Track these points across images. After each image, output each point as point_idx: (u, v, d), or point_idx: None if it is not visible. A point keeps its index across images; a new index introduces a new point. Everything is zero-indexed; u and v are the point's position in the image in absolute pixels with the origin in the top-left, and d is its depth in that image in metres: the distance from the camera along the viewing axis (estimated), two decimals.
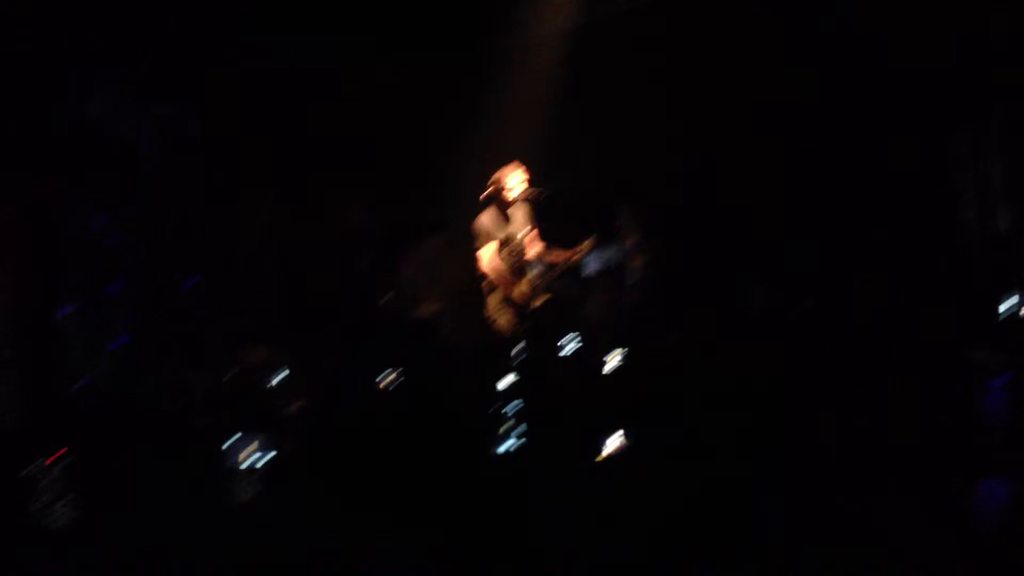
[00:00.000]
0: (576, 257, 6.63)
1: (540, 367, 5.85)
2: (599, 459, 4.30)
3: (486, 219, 6.45)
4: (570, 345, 5.84)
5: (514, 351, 5.98)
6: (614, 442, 4.39)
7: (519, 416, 5.17)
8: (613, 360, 5.69)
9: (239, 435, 3.73)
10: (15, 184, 5.26)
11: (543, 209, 6.55)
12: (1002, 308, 3.85)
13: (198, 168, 6.16)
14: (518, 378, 5.14)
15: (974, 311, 4.23)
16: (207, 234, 6.15)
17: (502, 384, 5.47)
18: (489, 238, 6.44)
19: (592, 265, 6.85)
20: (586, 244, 6.59)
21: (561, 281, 6.73)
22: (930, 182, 6.70)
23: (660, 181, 7.18)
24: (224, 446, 3.76)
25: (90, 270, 5.39)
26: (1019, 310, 3.82)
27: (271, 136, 6.94)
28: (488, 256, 6.45)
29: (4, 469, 3.69)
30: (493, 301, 6.48)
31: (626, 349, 5.96)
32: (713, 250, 7.01)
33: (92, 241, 5.37)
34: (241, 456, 3.66)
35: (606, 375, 5.93)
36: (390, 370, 5.16)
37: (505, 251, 6.47)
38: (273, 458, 3.81)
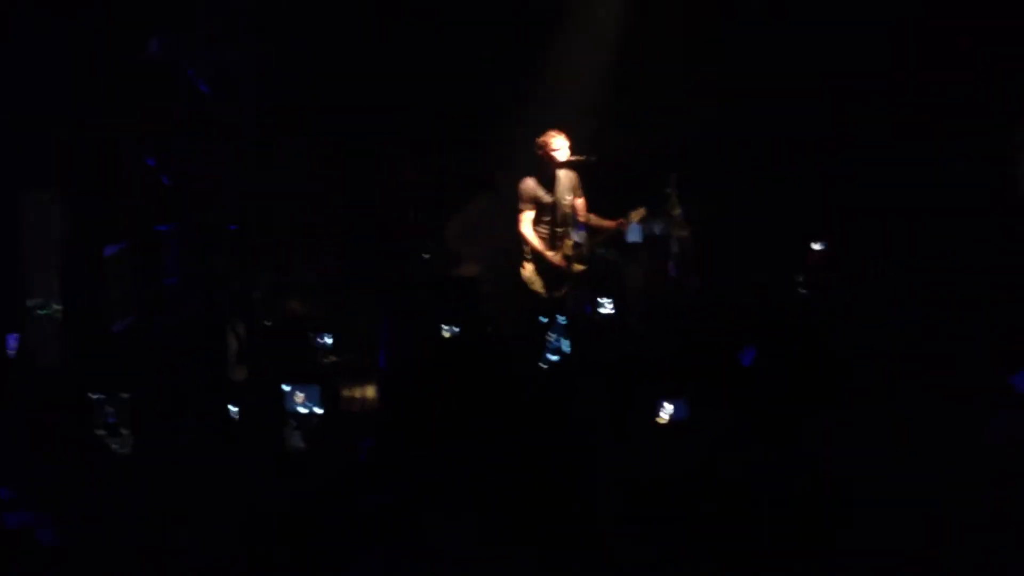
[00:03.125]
0: (621, 226, 6.59)
1: (581, 331, 5.84)
2: (658, 423, 4.27)
3: (531, 182, 6.42)
4: (607, 312, 5.81)
5: (551, 316, 5.96)
6: (671, 408, 4.35)
7: (558, 378, 5.16)
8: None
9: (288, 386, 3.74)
10: (73, 119, 5.28)
11: (589, 175, 6.50)
12: None
13: (253, 111, 6.16)
14: (560, 339, 5.14)
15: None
16: (260, 179, 6.16)
17: (540, 347, 5.46)
18: (533, 201, 6.41)
19: (635, 234, 6.81)
20: (634, 214, 6.54)
21: (603, 249, 6.70)
22: (984, 175, 6.61)
23: (708, 151, 7.11)
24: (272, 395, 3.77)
25: (143, 207, 5.42)
26: None
27: (325, 84, 6.93)
28: (531, 219, 6.43)
29: (56, 401, 3.73)
30: (532, 265, 6.46)
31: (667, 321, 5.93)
32: (759, 223, 6.95)
33: (147, 178, 5.39)
34: (291, 404, 3.67)
35: (646, 345, 5.90)
36: (431, 326, 5.17)
37: (548, 215, 6.44)
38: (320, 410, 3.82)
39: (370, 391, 5.55)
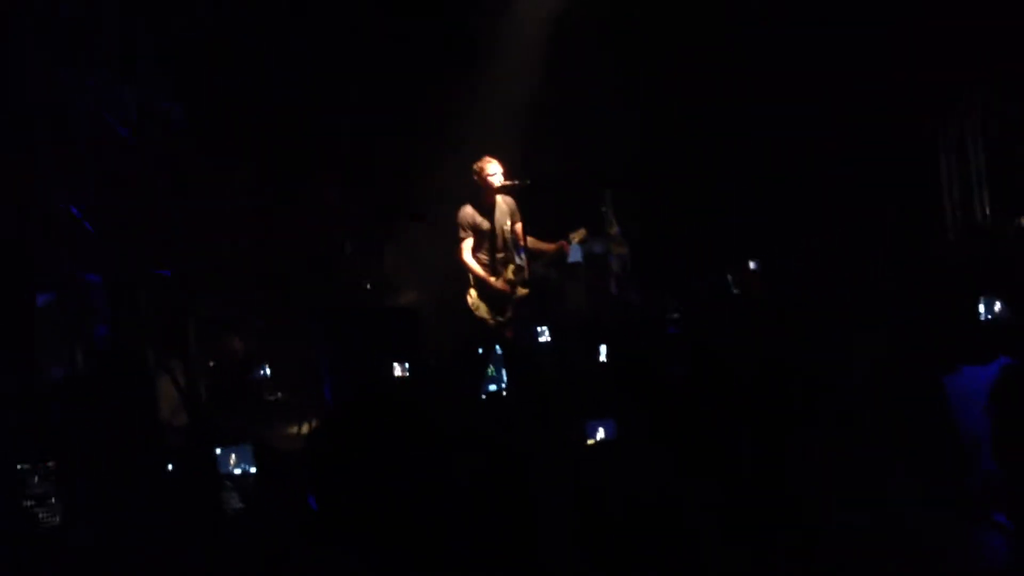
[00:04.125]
0: (562, 248, 6.62)
1: (522, 357, 5.84)
2: (589, 444, 4.30)
3: (469, 209, 6.42)
4: (551, 335, 5.82)
5: (495, 340, 5.96)
6: (601, 429, 4.38)
7: (503, 404, 5.16)
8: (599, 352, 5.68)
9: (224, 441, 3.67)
10: None
11: (526, 198, 6.53)
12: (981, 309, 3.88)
13: (178, 151, 6.08)
14: (500, 368, 5.13)
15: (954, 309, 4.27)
16: (188, 221, 6.08)
17: (485, 373, 5.46)
18: (472, 228, 6.42)
19: (576, 255, 6.84)
20: (574, 235, 6.57)
21: (544, 272, 6.72)
22: (914, 171, 6.75)
23: (643, 169, 7.18)
24: (211, 451, 3.70)
25: (69, 257, 5.32)
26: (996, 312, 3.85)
27: (252, 120, 6.87)
28: (471, 247, 6.43)
29: None
30: (476, 291, 6.46)
31: (609, 340, 5.96)
32: (695, 236, 7.03)
33: (71, 227, 5.29)
34: (230, 461, 3.61)
35: (590, 364, 5.93)
36: (373, 359, 5.14)
37: (488, 242, 6.45)
38: (261, 459, 3.76)
39: (316, 425, 5.49)
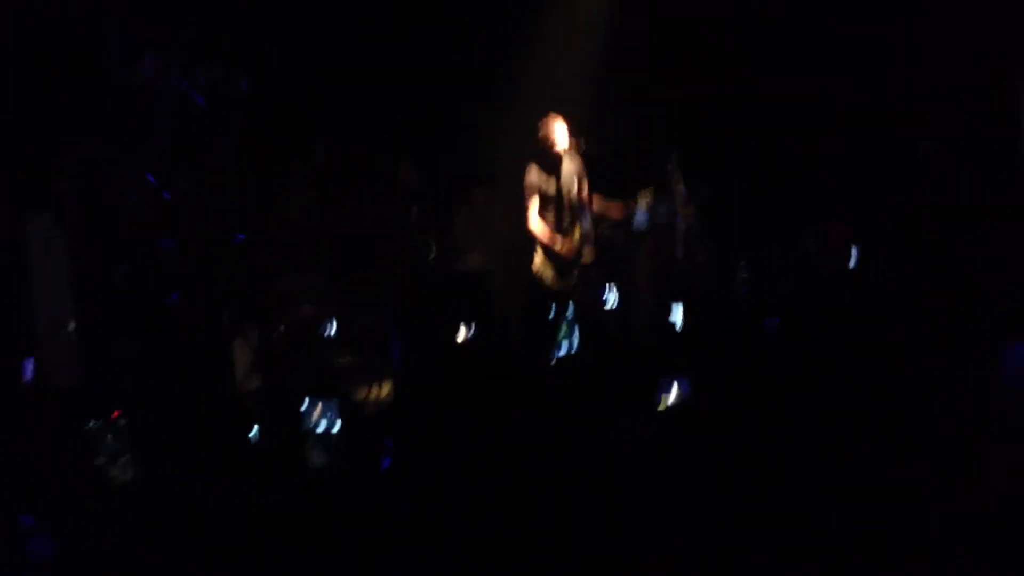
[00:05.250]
0: (628, 209, 6.55)
1: (590, 320, 5.82)
2: (660, 408, 4.28)
3: (533, 173, 6.37)
4: (619, 298, 5.78)
5: (563, 305, 5.94)
6: (673, 392, 4.34)
7: (572, 367, 5.15)
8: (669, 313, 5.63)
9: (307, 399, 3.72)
10: (69, 145, 5.30)
11: (591, 161, 6.46)
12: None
13: (248, 125, 6.16)
14: (573, 330, 5.12)
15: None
16: (258, 190, 6.17)
17: (556, 335, 5.45)
18: (537, 192, 6.37)
19: (641, 218, 6.76)
20: (642, 196, 6.49)
21: (611, 234, 6.65)
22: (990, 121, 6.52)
23: (708, 132, 7.06)
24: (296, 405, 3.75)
25: (144, 227, 5.43)
26: None
27: (318, 88, 6.92)
28: (536, 210, 6.39)
29: (63, 425, 3.73)
30: (542, 256, 6.43)
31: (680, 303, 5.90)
32: (762, 201, 6.90)
33: (146, 198, 5.40)
34: (310, 419, 3.66)
35: (660, 325, 5.88)
36: (443, 323, 5.17)
37: (553, 205, 6.40)
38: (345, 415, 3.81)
39: (386, 391, 5.55)
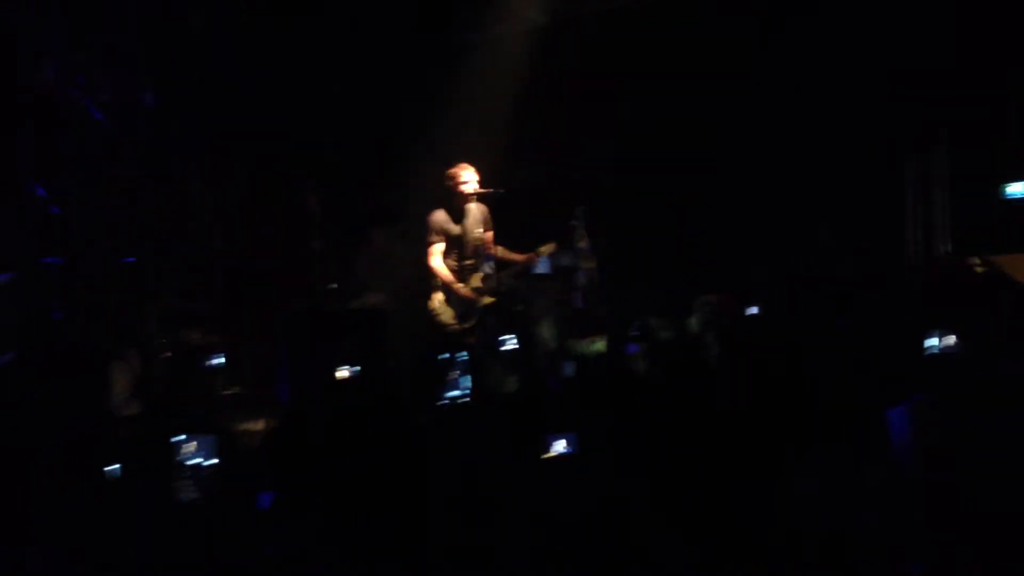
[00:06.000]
0: (530, 259, 6.62)
1: (483, 366, 5.82)
2: (545, 457, 4.29)
3: (440, 214, 6.41)
4: (513, 344, 5.81)
5: (459, 347, 5.94)
6: (561, 443, 4.37)
7: (464, 411, 5.14)
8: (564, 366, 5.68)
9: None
10: None
11: (498, 208, 6.53)
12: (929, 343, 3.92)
13: (150, 140, 6.04)
14: (465, 374, 5.10)
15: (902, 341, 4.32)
16: (154, 209, 6.03)
17: (445, 379, 5.43)
18: (442, 233, 6.40)
19: (544, 267, 6.84)
20: (543, 248, 6.58)
21: (512, 282, 6.71)
22: (879, 205, 6.84)
23: (615, 185, 7.21)
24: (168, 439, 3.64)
25: (32, 238, 5.25)
26: (945, 344, 3.89)
27: (228, 112, 6.84)
28: (440, 252, 6.41)
29: None
30: (440, 297, 6.44)
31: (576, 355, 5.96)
32: (665, 255, 7.07)
33: (36, 209, 5.23)
34: (188, 451, 3.55)
35: (552, 377, 5.92)
36: (332, 359, 5.10)
37: (457, 248, 6.44)
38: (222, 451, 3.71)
39: (269, 425, 5.44)
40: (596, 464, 4.40)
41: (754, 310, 5.77)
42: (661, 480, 4.06)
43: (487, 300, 6.49)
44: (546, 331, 6.77)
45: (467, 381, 5.10)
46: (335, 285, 6.62)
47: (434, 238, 6.39)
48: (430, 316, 6.38)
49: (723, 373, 5.18)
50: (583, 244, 6.69)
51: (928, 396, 3.89)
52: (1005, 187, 6.41)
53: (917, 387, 4.01)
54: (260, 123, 6.97)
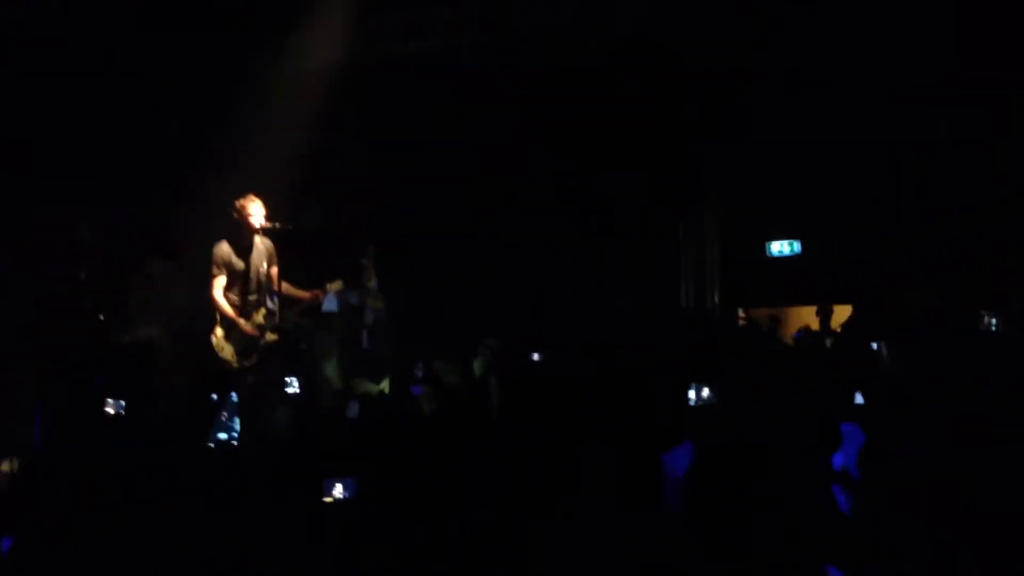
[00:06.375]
0: (316, 297, 6.49)
1: (259, 406, 5.64)
2: (325, 501, 4.22)
3: (225, 247, 6.19)
4: (295, 385, 5.67)
5: (235, 385, 5.74)
6: (339, 487, 4.31)
7: (231, 454, 4.95)
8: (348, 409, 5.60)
9: None
10: None
11: (285, 244, 6.38)
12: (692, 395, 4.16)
13: None
14: (234, 416, 4.93)
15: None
16: None
17: (216, 419, 5.23)
18: (226, 267, 6.18)
19: (331, 304, 6.72)
20: (330, 286, 6.47)
21: (296, 319, 6.56)
22: (654, 259, 7.20)
23: (405, 225, 7.24)
24: None
25: None
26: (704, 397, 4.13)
27: None
28: (222, 285, 6.18)
29: None
30: (221, 331, 6.20)
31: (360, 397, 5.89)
32: (452, 297, 7.13)
33: None
34: None
35: (333, 419, 5.83)
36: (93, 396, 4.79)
37: (239, 282, 6.23)
38: None
39: (12, 466, 5.03)
40: (376, 507, 4.35)
41: (535, 356, 5.90)
42: (442, 521, 4.07)
43: (270, 337, 6.30)
44: (330, 370, 6.65)
45: (236, 424, 4.92)
46: (102, 317, 6.24)
47: (217, 271, 6.15)
48: (209, 352, 6.12)
49: (502, 416, 5.26)
50: (371, 283, 6.64)
51: (692, 443, 4.11)
52: (770, 245, 6.91)
53: (684, 435, 4.23)
54: (27, 150, 6.52)
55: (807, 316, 6.81)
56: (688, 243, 7.27)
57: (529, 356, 5.95)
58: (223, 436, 4.70)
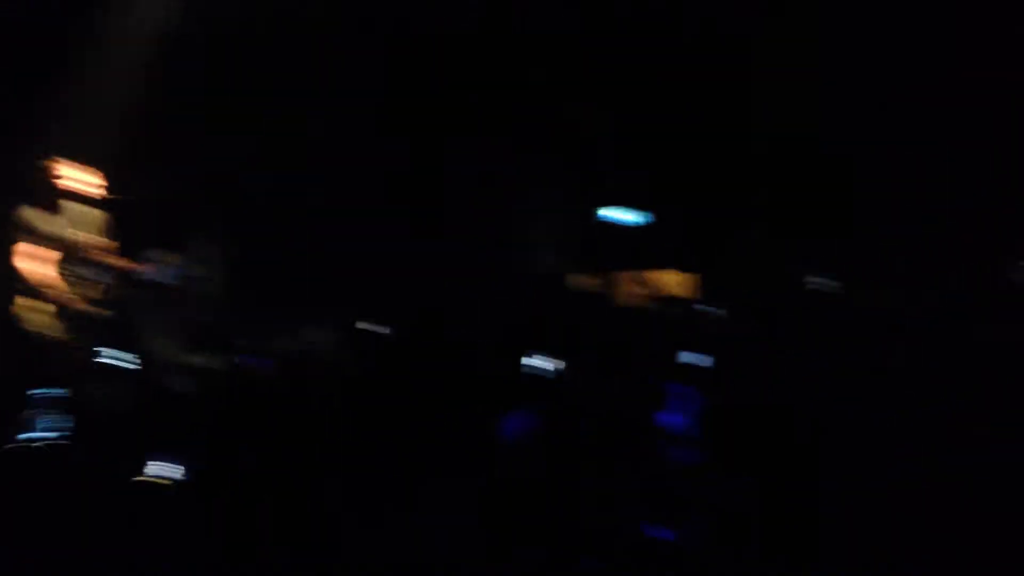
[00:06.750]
0: (143, 267, 6.17)
1: (80, 380, 5.35)
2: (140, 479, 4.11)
3: (36, 214, 5.80)
4: (118, 359, 5.40)
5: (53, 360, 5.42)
6: (157, 465, 4.20)
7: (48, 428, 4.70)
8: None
9: None
10: None
11: (110, 211, 6.04)
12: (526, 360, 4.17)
13: None
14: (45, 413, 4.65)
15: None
16: None
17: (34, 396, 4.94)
18: (37, 235, 5.80)
19: (161, 275, 6.40)
20: (163, 256, 6.18)
21: (119, 291, 6.22)
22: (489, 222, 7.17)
23: (243, 194, 7.00)
24: None
25: None
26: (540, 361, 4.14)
27: None
28: (33, 254, 5.80)
29: None
30: (32, 304, 5.82)
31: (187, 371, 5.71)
32: (290, 268, 6.96)
33: None
34: None
35: (161, 394, 5.63)
36: None
37: (55, 252, 5.86)
38: None
39: None
40: (207, 485, 4.25)
41: (376, 327, 5.79)
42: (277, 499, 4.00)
43: (93, 310, 5.96)
44: (161, 344, 6.35)
45: (48, 422, 4.62)
46: None
47: (26, 237, 5.76)
48: (17, 329, 5.74)
49: (341, 390, 5.19)
50: (205, 253, 6.38)
51: (529, 409, 4.11)
52: (600, 210, 6.98)
53: (521, 401, 4.23)
54: None
55: (638, 281, 6.90)
56: (523, 206, 7.28)
57: (370, 327, 5.84)
58: (34, 435, 4.39)
